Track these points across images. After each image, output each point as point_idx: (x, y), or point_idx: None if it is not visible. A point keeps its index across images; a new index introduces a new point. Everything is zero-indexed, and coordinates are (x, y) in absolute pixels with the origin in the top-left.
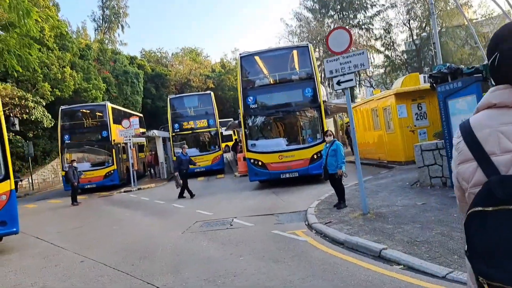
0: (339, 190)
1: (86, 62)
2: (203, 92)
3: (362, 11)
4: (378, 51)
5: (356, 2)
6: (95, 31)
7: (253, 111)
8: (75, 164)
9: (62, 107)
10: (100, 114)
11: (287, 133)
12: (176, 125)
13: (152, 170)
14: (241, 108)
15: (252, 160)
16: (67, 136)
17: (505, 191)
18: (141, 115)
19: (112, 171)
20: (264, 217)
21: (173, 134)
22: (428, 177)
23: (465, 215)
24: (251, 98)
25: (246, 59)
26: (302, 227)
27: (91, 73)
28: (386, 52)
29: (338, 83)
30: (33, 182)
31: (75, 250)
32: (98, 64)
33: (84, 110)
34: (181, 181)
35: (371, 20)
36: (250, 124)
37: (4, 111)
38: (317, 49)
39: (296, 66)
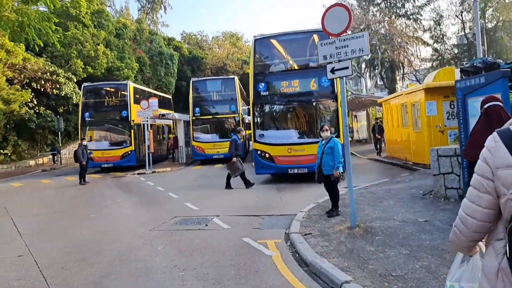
0: (334, 195)
1: (121, 41)
2: (227, 77)
3: (411, 0)
4: (426, 44)
5: None
6: (138, 11)
7: (263, 98)
8: (85, 142)
9: (85, 84)
10: (122, 93)
11: (298, 125)
12: (197, 109)
13: (173, 154)
14: (251, 95)
15: (259, 152)
16: (87, 113)
17: None
18: (170, 96)
19: (129, 152)
20: (249, 218)
21: (194, 118)
22: (443, 187)
23: (509, 218)
24: (263, 84)
25: (261, 42)
26: (279, 236)
27: (125, 52)
28: (435, 45)
29: (332, 71)
30: (61, 156)
31: (28, 239)
32: (135, 43)
33: (106, 89)
34: (243, 167)
35: (420, 10)
36: (260, 112)
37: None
38: None
39: (309, 52)
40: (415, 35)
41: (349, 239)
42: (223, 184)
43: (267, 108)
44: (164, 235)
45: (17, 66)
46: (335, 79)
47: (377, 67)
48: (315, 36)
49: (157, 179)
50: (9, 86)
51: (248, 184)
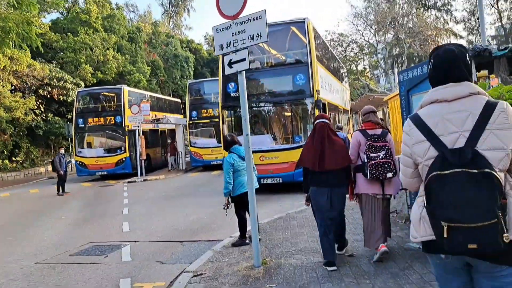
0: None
1: (133, 45)
2: None
3: None
4: (458, 36)
5: None
6: (162, 15)
7: (234, 100)
8: (62, 151)
9: (79, 89)
10: (116, 98)
11: (271, 130)
12: (194, 113)
13: (175, 160)
14: (220, 97)
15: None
16: (81, 119)
17: (454, 158)
18: (178, 100)
19: (124, 159)
20: (166, 245)
21: (190, 122)
22: (405, 205)
23: (424, 179)
24: (233, 84)
25: None
26: (169, 276)
27: (138, 56)
28: (470, 37)
29: (230, 64)
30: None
31: None
32: (150, 47)
33: (100, 94)
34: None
35: (450, 0)
36: (229, 116)
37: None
38: (383, 35)
39: (289, 47)
40: (445, 27)
41: (240, 286)
42: (184, 197)
43: (238, 111)
44: (42, 270)
45: (23, 73)
46: (310, 75)
47: (404, 63)
48: (294, 28)
49: (139, 188)
50: (13, 93)
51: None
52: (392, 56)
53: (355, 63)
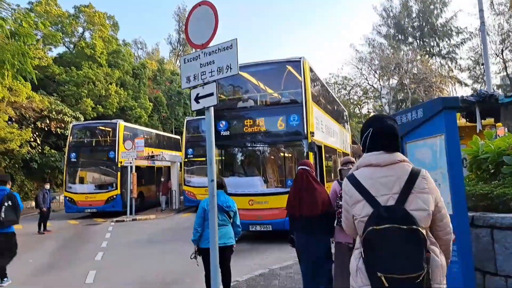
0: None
1: (137, 81)
2: None
3: (446, 39)
4: (463, 84)
5: (439, 28)
6: (169, 53)
7: (224, 139)
8: (47, 186)
9: (74, 123)
10: (111, 133)
11: (263, 172)
12: (190, 150)
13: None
14: None
15: None
16: (74, 153)
17: (387, 214)
18: (178, 137)
19: (114, 196)
20: None
21: (186, 159)
22: None
23: (361, 234)
24: (224, 123)
25: None
26: None
27: (141, 92)
28: (475, 85)
29: (197, 98)
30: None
31: None
32: (154, 83)
33: (95, 128)
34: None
35: (455, 49)
36: (219, 155)
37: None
38: (387, 80)
39: (284, 86)
40: (450, 74)
41: None
42: (181, 239)
43: (228, 150)
44: None
45: (22, 104)
46: (304, 116)
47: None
48: (289, 67)
49: (125, 229)
50: (9, 124)
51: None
52: (397, 101)
53: (359, 106)
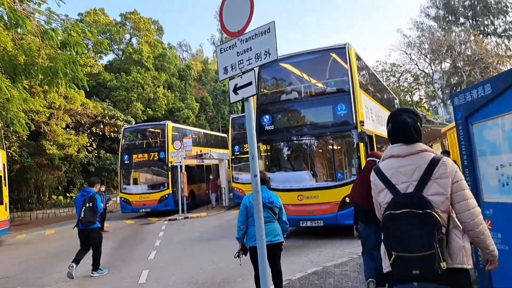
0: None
1: (183, 82)
2: None
3: (501, 16)
4: None
5: (493, 6)
6: (213, 53)
7: (269, 134)
8: (102, 188)
9: (125, 126)
10: (161, 134)
11: (310, 166)
12: (237, 147)
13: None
14: None
15: None
16: (126, 156)
17: (404, 200)
18: (225, 135)
19: (167, 195)
20: None
21: (233, 157)
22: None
23: (381, 218)
24: (268, 117)
25: (268, 67)
26: None
27: (187, 93)
28: None
29: (235, 89)
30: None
31: None
32: (199, 84)
33: (145, 130)
34: None
35: None
36: (265, 151)
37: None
38: (439, 64)
39: (329, 75)
40: (507, 54)
41: None
42: (231, 236)
43: (273, 145)
44: None
45: (77, 111)
46: (352, 105)
47: None
48: (334, 55)
49: (177, 227)
50: (66, 131)
51: None
52: (451, 85)
53: (410, 93)
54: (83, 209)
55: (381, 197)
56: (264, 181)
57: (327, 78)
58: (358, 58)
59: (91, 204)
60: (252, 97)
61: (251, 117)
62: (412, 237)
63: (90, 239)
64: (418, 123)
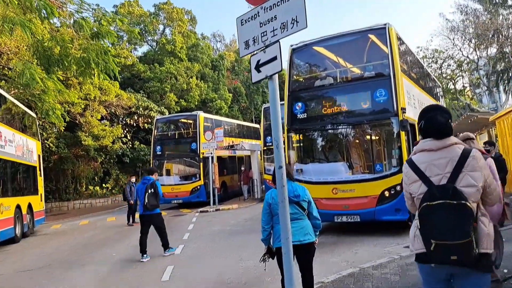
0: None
1: (216, 73)
2: None
3: None
4: None
5: None
6: None
7: (301, 123)
8: (133, 179)
9: (157, 117)
10: (192, 125)
11: (346, 157)
12: (269, 138)
13: (245, 189)
14: (286, 119)
15: None
16: (159, 147)
17: (439, 192)
18: (258, 126)
19: (198, 187)
20: None
21: (265, 148)
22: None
23: (418, 208)
24: (300, 105)
25: (300, 52)
26: None
27: (220, 83)
28: None
29: (257, 67)
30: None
31: None
32: (232, 74)
33: (177, 121)
34: None
35: None
36: (297, 141)
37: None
38: (485, 49)
39: (367, 59)
40: None
41: None
42: (259, 230)
43: (306, 135)
44: None
45: (111, 103)
46: (393, 90)
47: None
48: (372, 37)
49: (208, 219)
50: (101, 122)
51: None
52: (497, 72)
53: (453, 81)
54: (146, 195)
55: (413, 188)
56: (287, 173)
57: (365, 62)
58: (400, 40)
59: (153, 190)
60: (277, 75)
61: (275, 98)
62: (449, 226)
63: (154, 223)
64: (450, 121)
